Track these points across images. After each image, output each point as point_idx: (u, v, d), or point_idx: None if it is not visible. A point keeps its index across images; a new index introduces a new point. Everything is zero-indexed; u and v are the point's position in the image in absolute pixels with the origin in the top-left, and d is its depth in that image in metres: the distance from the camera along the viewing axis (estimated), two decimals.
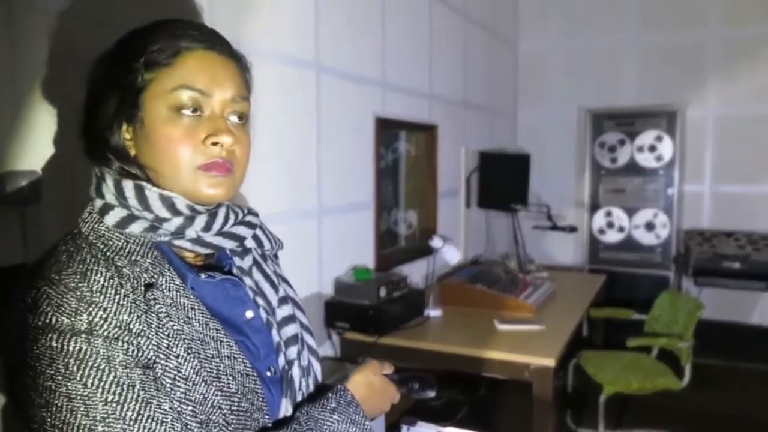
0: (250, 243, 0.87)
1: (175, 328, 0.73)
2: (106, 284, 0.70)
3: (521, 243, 3.71)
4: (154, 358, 0.71)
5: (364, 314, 2.36)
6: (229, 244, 0.83)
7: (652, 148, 4.47)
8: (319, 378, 0.96)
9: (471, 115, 4.04)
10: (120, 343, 0.69)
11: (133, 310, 0.70)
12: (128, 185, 0.77)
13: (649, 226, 4.49)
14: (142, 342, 0.70)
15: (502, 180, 4.03)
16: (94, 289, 0.69)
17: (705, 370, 3.49)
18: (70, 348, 0.67)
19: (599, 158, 4.64)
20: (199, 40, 0.78)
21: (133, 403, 0.67)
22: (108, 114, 0.77)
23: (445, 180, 3.63)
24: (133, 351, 0.69)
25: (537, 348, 2.26)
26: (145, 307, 0.72)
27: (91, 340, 0.67)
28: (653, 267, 4.47)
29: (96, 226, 0.77)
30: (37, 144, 1.24)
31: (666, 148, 4.43)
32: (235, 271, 0.88)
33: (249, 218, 0.87)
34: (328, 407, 0.87)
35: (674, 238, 4.43)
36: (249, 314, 0.85)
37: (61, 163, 1.27)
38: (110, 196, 0.77)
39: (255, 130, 2.03)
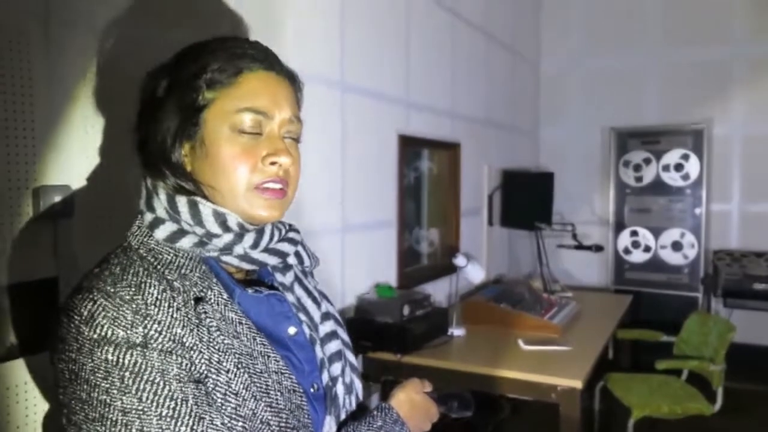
0: (291, 259, 0.88)
1: (225, 342, 0.73)
2: (159, 297, 0.70)
3: (545, 262, 3.66)
4: (205, 372, 0.71)
5: (387, 333, 2.34)
6: (273, 261, 0.84)
7: (679, 167, 4.41)
8: (360, 396, 0.96)
9: (493, 134, 4.04)
10: (174, 357, 0.69)
11: (186, 324, 0.71)
12: (182, 200, 0.77)
13: (676, 246, 4.40)
14: (195, 356, 0.70)
15: (525, 198, 4.00)
16: (149, 302, 0.70)
17: (736, 395, 3.38)
18: (126, 361, 0.67)
19: (624, 177, 4.59)
20: (259, 60, 0.79)
21: (187, 418, 0.67)
22: (169, 131, 0.78)
23: (468, 198, 3.62)
24: (186, 365, 0.69)
25: (563, 369, 2.22)
26: (197, 321, 0.72)
27: (147, 354, 0.67)
28: (681, 288, 4.37)
29: (145, 239, 0.77)
30: (71, 159, 1.26)
31: (693, 166, 4.36)
32: (277, 286, 0.89)
33: (291, 234, 0.88)
34: (375, 425, 0.89)
35: (702, 259, 4.34)
36: (292, 330, 0.84)
37: (94, 178, 1.29)
38: (161, 211, 0.78)
39: None
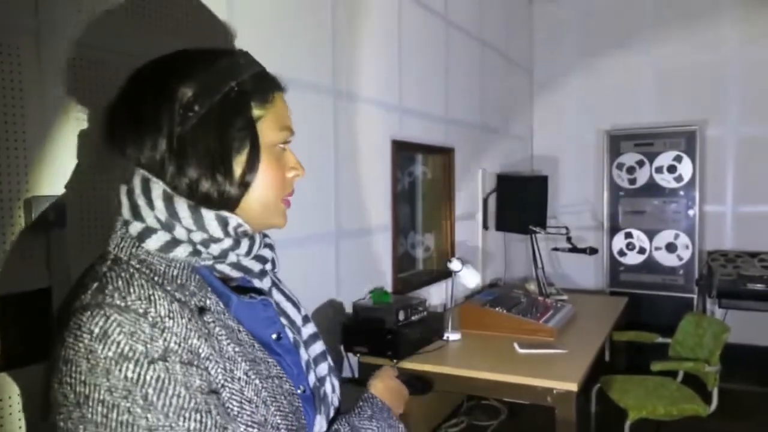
0: (268, 265, 0.88)
1: (234, 350, 0.73)
2: (171, 309, 0.69)
3: (540, 266, 3.67)
4: (222, 381, 0.71)
5: (382, 338, 2.34)
6: (257, 267, 0.84)
7: (672, 169, 4.43)
8: (338, 394, 0.97)
9: (487, 138, 4.05)
10: (195, 369, 0.68)
11: (200, 335, 0.70)
12: (182, 206, 0.75)
13: (671, 248, 4.42)
14: (210, 366, 0.70)
15: (520, 202, 4.01)
16: (162, 314, 0.68)
17: (732, 396, 3.39)
18: (148, 377, 0.65)
19: (618, 179, 4.61)
20: (280, 82, 0.85)
21: (213, 429, 0.66)
22: (224, 142, 0.76)
23: (463, 203, 3.63)
24: (205, 376, 0.69)
25: (559, 372, 2.22)
26: (206, 331, 0.71)
27: (169, 367, 0.66)
28: (675, 289, 4.39)
29: (134, 251, 0.74)
30: (63, 170, 1.27)
31: (686, 168, 4.39)
32: (264, 291, 0.90)
33: (269, 241, 0.89)
34: (365, 415, 0.94)
35: (697, 260, 4.36)
36: (278, 334, 0.85)
37: (86, 188, 1.30)
38: (152, 220, 0.74)
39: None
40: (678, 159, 4.41)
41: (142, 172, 0.75)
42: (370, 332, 2.37)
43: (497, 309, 2.87)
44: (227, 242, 0.77)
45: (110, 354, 0.64)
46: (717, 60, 4.42)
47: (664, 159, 4.44)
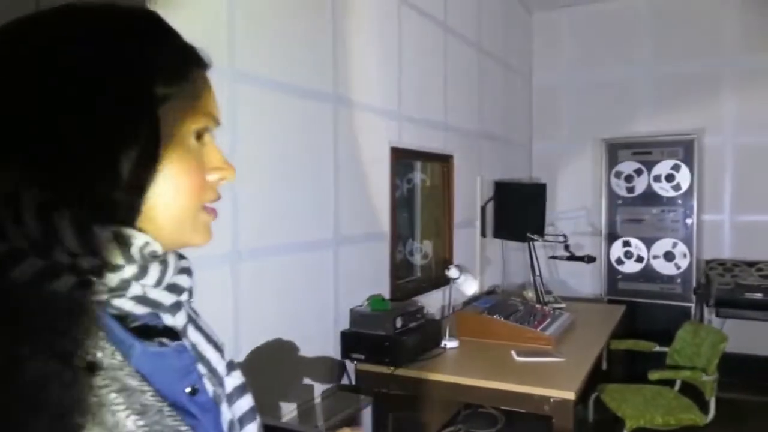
0: (185, 295, 0.66)
1: (136, 424, 0.52)
2: (42, 371, 0.49)
3: (538, 273, 3.67)
4: None
5: (379, 345, 2.34)
6: (170, 299, 0.62)
7: (670, 178, 4.44)
8: None
9: (486, 146, 4.06)
10: None
11: (85, 409, 0.50)
12: (62, 220, 0.53)
13: (668, 256, 4.43)
14: None
15: (518, 210, 4.02)
16: (27, 380, 0.48)
17: (729, 405, 3.39)
18: None
19: (616, 188, 4.62)
20: (202, 55, 0.65)
21: None
22: (107, 132, 0.55)
23: (461, 210, 3.63)
24: None
25: (556, 381, 2.22)
26: (96, 400, 0.50)
27: None
28: (673, 298, 4.39)
29: None
30: None
31: (684, 177, 4.40)
32: (178, 333, 0.66)
33: (185, 263, 0.67)
34: None
35: (694, 269, 4.36)
36: (193, 389, 0.63)
37: None
38: (19, 239, 0.53)
39: (270, 161, 2.06)
40: (676, 168, 4.42)
41: (3, 174, 0.54)
42: (368, 339, 2.37)
43: (495, 316, 2.87)
44: (130, 270, 0.56)
45: None
46: (714, 69, 4.45)
47: (662, 168, 4.46)
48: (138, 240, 0.57)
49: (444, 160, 3.46)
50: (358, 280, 2.60)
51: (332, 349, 2.39)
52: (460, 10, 3.62)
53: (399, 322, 2.40)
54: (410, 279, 3.28)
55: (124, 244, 0.56)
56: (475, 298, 3.24)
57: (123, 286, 0.56)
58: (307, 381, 2.20)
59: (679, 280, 4.40)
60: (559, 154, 5.00)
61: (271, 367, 2.00)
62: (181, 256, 0.67)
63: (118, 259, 0.56)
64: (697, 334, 3.16)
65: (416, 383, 2.35)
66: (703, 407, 2.81)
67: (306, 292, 2.25)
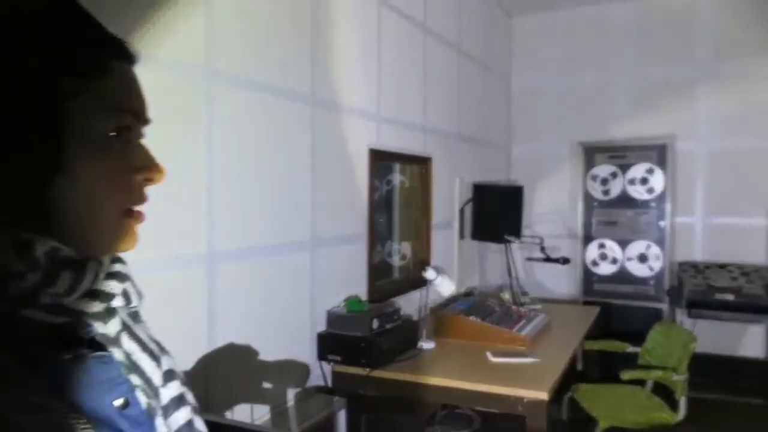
0: (117, 301, 0.62)
1: None
2: None
3: (515, 275, 3.71)
4: None
5: (356, 346, 2.35)
6: (96, 307, 0.58)
7: (644, 181, 4.52)
8: None
9: (465, 148, 4.09)
10: None
11: None
12: None
13: (642, 258, 4.51)
14: None
15: (496, 211, 4.06)
16: None
17: (700, 404, 3.46)
18: None
19: (592, 190, 4.69)
20: (124, 45, 0.60)
21: None
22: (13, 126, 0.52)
23: (440, 211, 3.66)
24: None
25: (530, 381, 2.25)
26: None
27: None
28: (647, 299, 4.47)
29: None
30: None
31: (657, 180, 4.48)
32: (101, 342, 0.62)
33: (118, 267, 0.63)
34: None
35: (667, 270, 4.45)
36: (121, 401, 0.60)
37: None
38: None
39: (247, 162, 2.06)
40: (650, 171, 4.50)
41: None
42: (344, 341, 2.37)
43: (471, 318, 2.89)
44: (33, 277, 0.51)
45: None
46: (688, 75, 4.54)
47: (637, 171, 4.54)
48: (42, 245, 0.52)
49: (423, 162, 3.48)
50: (336, 281, 2.60)
51: (309, 350, 2.39)
52: (441, 12, 3.64)
53: (375, 324, 2.41)
54: (388, 280, 3.29)
55: (24, 249, 0.51)
56: (452, 300, 3.26)
57: (27, 295, 0.51)
58: (282, 383, 2.20)
59: (652, 282, 4.48)
60: (537, 157, 5.06)
61: (246, 370, 2.00)
62: (117, 260, 0.63)
63: (18, 266, 0.51)
64: (668, 334, 3.22)
65: (392, 384, 2.36)
66: (675, 406, 2.87)
67: (282, 293, 2.24)
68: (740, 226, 4.39)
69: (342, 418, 2.11)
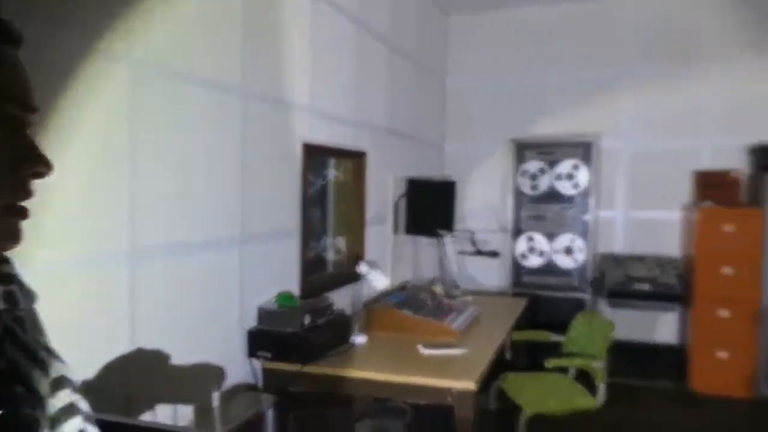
0: None
1: None
2: None
3: (447, 268, 3.79)
4: None
5: (287, 343, 2.33)
6: None
7: (570, 176, 4.71)
8: None
9: (399, 143, 4.13)
10: None
11: None
12: None
13: (568, 251, 4.71)
14: None
15: (429, 206, 4.12)
16: None
17: (620, 389, 3.66)
18: None
19: (522, 186, 4.84)
20: (14, 29, 0.57)
21: None
22: None
23: (374, 206, 3.68)
24: None
25: (458, 372, 2.31)
26: None
27: None
28: (572, 290, 4.68)
29: None
30: None
31: (582, 176, 4.69)
32: None
33: (2, 268, 0.59)
34: None
35: (591, 262, 4.66)
36: (2, 414, 0.55)
37: None
38: None
39: (173, 156, 2.00)
40: (576, 167, 4.70)
41: None
42: (275, 337, 2.35)
43: (404, 311, 2.93)
44: None
45: None
46: (613, 76, 4.76)
47: (564, 167, 4.73)
48: None
49: (357, 157, 3.49)
50: (267, 277, 2.57)
51: (238, 347, 2.35)
52: (374, 5, 3.65)
53: (307, 319, 2.40)
54: (321, 275, 3.28)
55: None
56: (386, 294, 3.29)
57: None
58: (208, 382, 2.15)
59: (576, 273, 4.69)
60: (470, 153, 5.17)
61: (167, 370, 1.94)
62: (2, 260, 0.58)
63: None
64: (590, 323, 3.38)
65: (325, 380, 2.36)
66: (595, 392, 3.02)
67: (211, 290, 2.20)
68: (657, 220, 4.67)
69: (271, 416, 2.09)
